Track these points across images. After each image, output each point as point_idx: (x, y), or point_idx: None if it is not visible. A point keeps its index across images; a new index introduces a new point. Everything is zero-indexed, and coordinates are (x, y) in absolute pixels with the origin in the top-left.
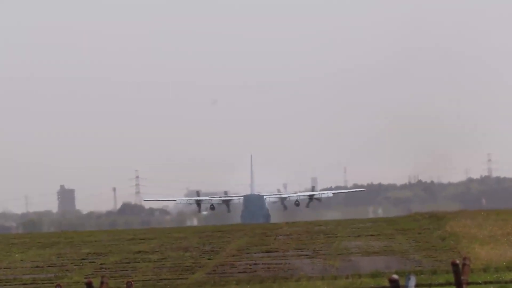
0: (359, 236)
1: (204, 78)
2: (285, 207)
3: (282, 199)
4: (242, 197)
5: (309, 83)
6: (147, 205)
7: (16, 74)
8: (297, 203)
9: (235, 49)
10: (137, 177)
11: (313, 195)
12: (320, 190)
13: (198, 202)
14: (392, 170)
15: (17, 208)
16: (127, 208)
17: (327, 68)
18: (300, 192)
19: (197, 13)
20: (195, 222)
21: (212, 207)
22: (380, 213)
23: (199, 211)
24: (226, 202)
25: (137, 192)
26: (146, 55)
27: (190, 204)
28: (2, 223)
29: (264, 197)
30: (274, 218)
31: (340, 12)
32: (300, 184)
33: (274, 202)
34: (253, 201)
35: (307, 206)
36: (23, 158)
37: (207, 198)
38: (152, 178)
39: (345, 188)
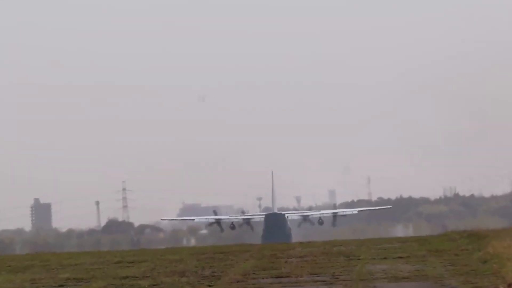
0: (385, 258)
1: (193, 80)
2: (311, 223)
3: (305, 217)
4: (263, 216)
5: (321, 88)
6: (136, 221)
7: None
8: (320, 222)
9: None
10: (124, 189)
11: (337, 212)
12: (339, 205)
13: (218, 221)
14: (424, 181)
15: None
16: (113, 225)
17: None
18: (315, 204)
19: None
20: (192, 241)
21: (232, 227)
22: (410, 231)
23: (221, 230)
24: (247, 221)
25: (125, 206)
26: (134, 59)
27: (211, 223)
28: None
29: (286, 215)
30: (296, 237)
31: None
32: (315, 197)
33: (296, 221)
34: (274, 220)
35: (334, 225)
36: None
37: (227, 217)
38: (141, 190)
39: (369, 202)
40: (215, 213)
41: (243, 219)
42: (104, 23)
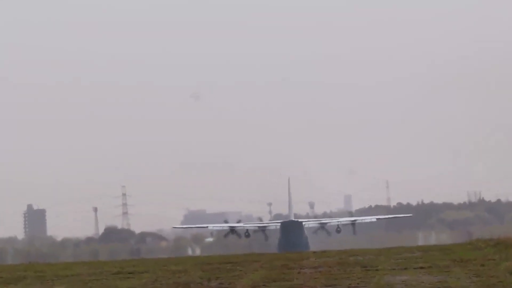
0: (405, 268)
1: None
2: (328, 232)
3: (322, 225)
4: (280, 224)
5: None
6: (137, 229)
7: None
8: (338, 230)
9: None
10: (124, 194)
11: (355, 220)
12: (356, 211)
13: (233, 229)
14: (447, 185)
15: None
16: (111, 233)
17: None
18: (330, 211)
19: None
20: (197, 250)
21: (247, 235)
22: (433, 239)
23: (240, 237)
24: (263, 229)
25: (124, 213)
26: (133, 59)
27: (225, 231)
28: None
29: (303, 223)
30: (313, 246)
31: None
32: (329, 203)
33: (313, 229)
34: (291, 228)
35: (354, 233)
36: None
37: (242, 224)
38: (142, 195)
39: (388, 208)
40: (227, 221)
41: (259, 226)
42: (104, 23)
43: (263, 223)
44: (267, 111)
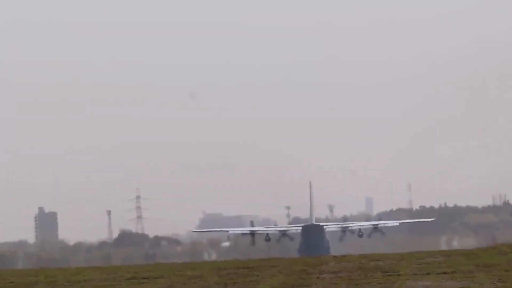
0: (428, 274)
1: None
2: (341, 237)
3: (344, 229)
4: (300, 227)
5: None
6: (151, 233)
7: None
8: (360, 234)
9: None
10: (138, 197)
11: (377, 224)
12: (377, 214)
13: (253, 233)
14: (471, 188)
15: None
16: (125, 238)
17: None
18: (351, 214)
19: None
20: (213, 255)
21: (267, 238)
22: (456, 243)
23: (253, 243)
24: (283, 233)
25: (139, 217)
26: (135, 59)
27: (244, 235)
28: None
29: (324, 227)
30: (333, 250)
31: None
32: (349, 206)
33: (334, 233)
34: (312, 232)
35: (369, 236)
36: None
37: (262, 228)
38: (157, 198)
39: (410, 211)
40: (252, 224)
41: (279, 231)
42: (103, 23)
43: (284, 227)
44: (271, 111)
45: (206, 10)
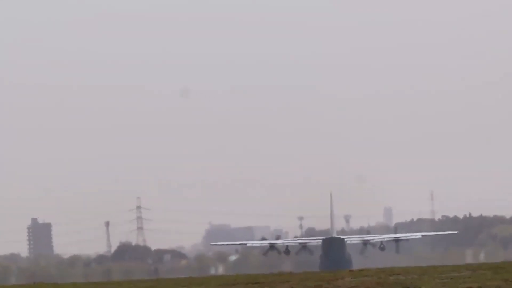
0: None
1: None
2: (362, 250)
3: (365, 242)
4: (321, 240)
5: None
6: (153, 245)
7: None
8: (382, 247)
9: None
10: (139, 207)
11: (399, 237)
12: (396, 224)
13: (273, 245)
14: (498, 197)
15: None
16: (125, 251)
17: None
18: (369, 225)
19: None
20: (220, 269)
21: (287, 251)
22: (482, 257)
23: (266, 255)
24: (304, 246)
25: (139, 228)
26: (135, 60)
27: (264, 248)
28: None
29: (345, 240)
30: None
31: None
32: (367, 216)
33: (355, 246)
34: (333, 245)
35: (397, 251)
36: None
37: (282, 241)
38: (159, 208)
39: (432, 221)
40: (277, 238)
41: (300, 243)
42: (103, 24)
43: (304, 239)
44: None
45: (204, 10)
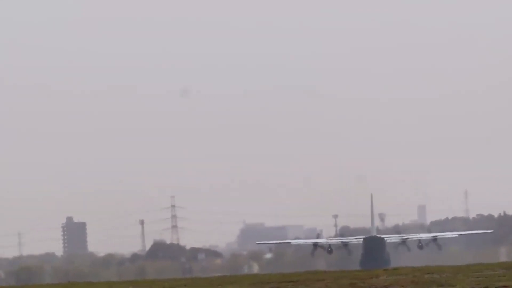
0: (486, 287)
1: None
2: (401, 249)
3: (403, 241)
4: (362, 239)
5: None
6: (188, 244)
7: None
8: (420, 245)
9: None
10: (173, 206)
11: (436, 236)
12: (431, 223)
13: (316, 245)
14: None
15: (7, 250)
16: (159, 249)
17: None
18: (403, 223)
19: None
20: (255, 268)
21: (329, 250)
22: None
23: (313, 254)
24: (345, 245)
25: (174, 227)
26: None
27: (307, 246)
28: None
29: (385, 239)
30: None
31: None
32: (402, 214)
33: (394, 244)
34: (373, 244)
35: (435, 250)
36: (15, 183)
37: (325, 240)
38: (193, 207)
39: (466, 220)
40: (318, 236)
41: (342, 242)
42: (103, 24)
43: (346, 239)
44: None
45: (204, 11)
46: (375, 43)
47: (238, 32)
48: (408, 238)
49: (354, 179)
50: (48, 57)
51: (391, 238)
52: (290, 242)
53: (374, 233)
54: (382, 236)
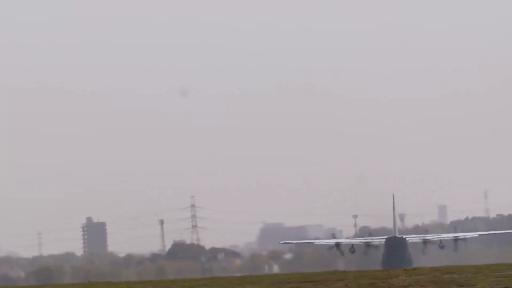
0: (507, 287)
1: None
2: (425, 250)
3: (425, 241)
4: (384, 240)
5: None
6: (207, 244)
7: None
8: (441, 245)
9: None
10: (193, 205)
11: (457, 236)
12: (451, 223)
13: (338, 244)
14: None
15: (27, 250)
16: (179, 249)
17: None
18: (423, 223)
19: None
20: (275, 268)
21: (352, 250)
22: None
23: (342, 254)
24: (367, 245)
25: (194, 227)
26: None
27: (330, 247)
28: (6, 272)
29: (407, 239)
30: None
31: None
32: (422, 214)
33: (416, 244)
34: (395, 244)
35: (455, 249)
36: (35, 182)
37: (347, 240)
38: (213, 207)
39: (486, 220)
40: (334, 236)
41: (364, 242)
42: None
43: (368, 239)
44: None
45: (204, 11)
46: (375, 44)
47: (239, 32)
48: (429, 238)
49: (375, 180)
50: (47, 57)
51: (413, 239)
52: (313, 242)
53: (396, 234)
54: (404, 236)
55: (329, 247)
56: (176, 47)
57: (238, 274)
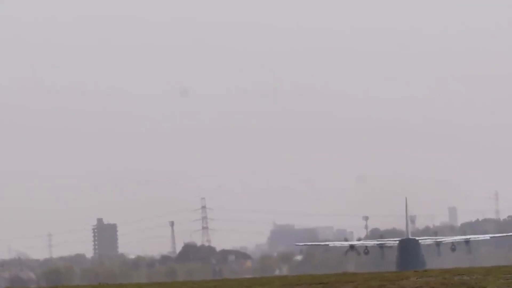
0: None
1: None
2: (439, 253)
3: (437, 243)
4: (398, 242)
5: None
6: (218, 246)
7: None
8: (453, 248)
9: None
10: (204, 207)
11: (469, 238)
12: (461, 225)
13: (353, 246)
14: None
15: (37, 251)
16: (190, 251)
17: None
18: (433, 225)
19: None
20: (285, 270)
21: (366, 251)
22: None
23: (358, 254)
24: (381, 246)
25: (204, 228)
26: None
27: (347, 251)
28: (17, 274)
29: (420, 241)
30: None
31: None
32: (432, 216)
33: (428, 246)
34: (408, 247)
35: (470, 252)
36: (45, 185)
37: (361, 242)
38: (224, 208)
39: (497, 221)
40: (346, 240)
41: (377, 244)
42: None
43: (382, 241)
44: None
45: (203, 11)
46: (375, 43)
47: (238, 32)
48: (442, 240)
49: (385, 181)
50: (50, 56)
51: (426, 241)
52: (327, 244)
53: (409, 235)
54: (417, 238)
55: (346, 250)
56: (176, 47)
57: (248, 276)
